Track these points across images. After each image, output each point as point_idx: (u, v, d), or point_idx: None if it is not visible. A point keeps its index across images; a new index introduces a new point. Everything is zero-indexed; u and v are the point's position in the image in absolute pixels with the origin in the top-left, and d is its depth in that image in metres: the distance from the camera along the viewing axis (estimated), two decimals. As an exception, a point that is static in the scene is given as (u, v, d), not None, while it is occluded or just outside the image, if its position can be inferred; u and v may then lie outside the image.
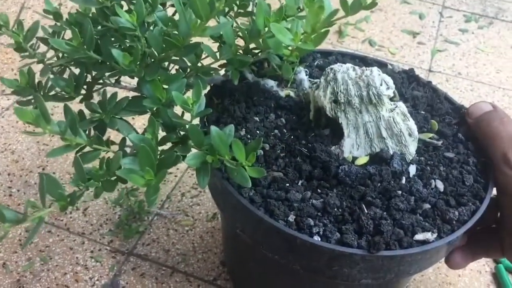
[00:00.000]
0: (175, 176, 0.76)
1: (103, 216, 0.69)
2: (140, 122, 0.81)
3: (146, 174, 0.38)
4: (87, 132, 0.44)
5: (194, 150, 0.44)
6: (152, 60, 0.45)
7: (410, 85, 0.60)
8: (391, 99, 0.51)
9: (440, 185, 0.48)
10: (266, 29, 0.46)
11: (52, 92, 0.48)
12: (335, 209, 0.45)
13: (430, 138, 0.53)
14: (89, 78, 0.49)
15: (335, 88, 0.49)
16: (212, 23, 0.43)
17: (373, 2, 0.47)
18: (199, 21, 0.40)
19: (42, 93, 0.47)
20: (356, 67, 0.49)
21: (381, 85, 0.48)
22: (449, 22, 1.21)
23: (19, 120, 0.81)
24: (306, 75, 0.55)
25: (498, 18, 1.24)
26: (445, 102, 0.58)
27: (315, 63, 0.61)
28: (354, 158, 0.50)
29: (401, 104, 0.50)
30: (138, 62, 0.42)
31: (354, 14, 0.48)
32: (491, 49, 1.14)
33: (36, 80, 0.47)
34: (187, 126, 0.45)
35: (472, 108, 0.54)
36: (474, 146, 0.53)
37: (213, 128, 0.42)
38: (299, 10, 0.49)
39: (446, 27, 1.19)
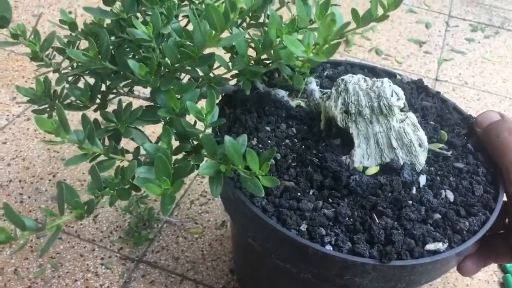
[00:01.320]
0: (184, 183, 0.76)
1: (113, 223, 0.70)
2: (149, 130, 0.81)
3: (163, 183, 0.38)
4: (101, 141, 0.45)
5: (207, 159, 0.45)
6: (167, 70, 0.46)
7: (419, 96, 0.60)
8: (401, 110, 0.52)
9: (450, 195, 0.49)
10: (278, 40, 0.47)
11: (67, 101, 0.49)
12: (347, 218, 0.45)
13: (440, 148, 0.53)
14: (103, 88, 0.50)
15: (346, 99, 0.50)
16: (224, 34, 0.44)
17: (384, 15, 0.48)
18: (213, 32, 0.41)
19: (57, 102, 0.48)
20: (367, 78, 0.50)
21: (391, 96, 0.49)
22: (455, 31, 1.22)
23: (30, 127, 0.82)
24: (317, 85, 0.56)
25: (504, 28, 1.25)
26: (454, 112, 0.59)
27: (325, 74, 0.62)
28: (365, 168, 0.50)
29: (411, 115, 0.51)
30: (154, 73, 0.42)
31: (365, 26, 0.49)
32: (497, 58, 1.14)
33: (52, 89, 0.48)
34: (200, 135, 0.46)
35: (481, 118, 0.55)
36: (484, 156, 0.53)
37: (227, 138, 0.43)
38: (311, 22, 0.50)
39: (452, 37, 1.20)
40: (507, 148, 0.50)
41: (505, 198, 0.51)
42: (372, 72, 0.63)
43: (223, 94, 0.56)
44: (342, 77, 0.51)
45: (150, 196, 0.72)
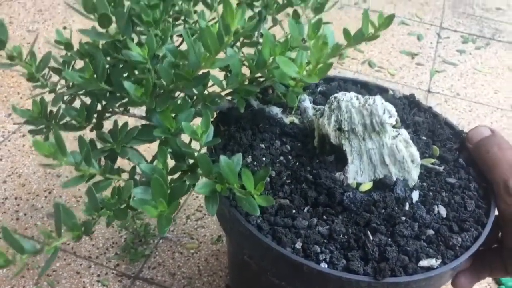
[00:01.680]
0: (180, 198, 0.76)
1: (109, 240, 0.70)
2: (144, 145, 0.81)
3: (159, 205, 0.39)
4: (97, 161, 0.45)
5: (202, 178, 0.45)
6: (162, 91, 0.46)
7: (411, 111, 0.61)
8: (394, 126, 0.53)
9: (443, 211, 0.49)
10: (272, 59, 0.48)
11: (64, 121, 0.49)
12: (341, 235, 0.46)
13: (432, 163, 0.54)
14: (99, 107, 0.50)
15: (339, 116, 0.50)
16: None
17: (375, 35, 0.48)
18: (208, 54, 0.42)
19: (53, 122, 0.48)
20: (360, 96, 0.51)
21: (384, 113, 0.49)
22: (446, 42, 1.24)
23: (25, 144, 0.82)
24: (310, 102, 0.56)
25: (495, 39, 1.26)
26: (446, 127, 0.60)
27: (318, 89, 0.63)
28: (358, 184, 0.51)
29: (403, 131, 0.52)
30: (149, 94, 0.43)
31: (356, 45, 0.50)
32: (488, 69, 1.16)
33: (48, 109, 0.49)
34: (195, 154, 0.46)
35: (471, 133, 0.56)
36: (475, 171, 0.54)
37: (222, 157, 0.43)
38: (303, 41, 0.50)
39: (444, 48, 1.21)
40: (496, 163, 0.51)
41: (496, 213, 0.51)
42: (365, 87, 0.64)
43: (218, 111, 0.57)
44: (335, 94, 0.52)
45: (146, 212, 0.72)
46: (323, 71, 0.42)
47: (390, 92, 0.64)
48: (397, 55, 1.17)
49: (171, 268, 0.67)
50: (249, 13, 0.55)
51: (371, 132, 0.50)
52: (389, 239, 0.46)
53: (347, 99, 0.50)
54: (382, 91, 0.64)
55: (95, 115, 0.50)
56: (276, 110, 0.57)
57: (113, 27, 0.45)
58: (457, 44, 1.24)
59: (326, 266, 0.43)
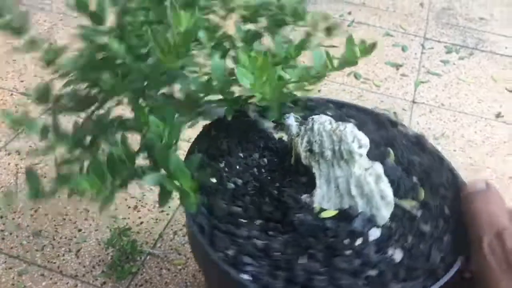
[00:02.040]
0: (167, 214, 0.77)
1: (96, 257, 0.71)
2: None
3: (94, 183, 0.42)
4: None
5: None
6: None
7: (413, 150, 0.58)
8: (382, 161, 0.51)
9: (398, 255, 0.46)
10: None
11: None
12: (276, 253, 0.45)
13: (412, 206, 0.51)
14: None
15: (311, 138, 0.50)
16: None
17: (355, 61, 0.48)
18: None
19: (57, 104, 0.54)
20: (333, 121, 0.50)
21: (353, 142, 0.48)
22: (431, 53, 1.23)
23: (11, 162, 0.85)
24: (296, 121, 0.56)
25: (478, 49, 1.23)
26: (449, 173, 0.56)
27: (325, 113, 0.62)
28: (322, 210, 0.50)
29: (377, 165, 0.50)
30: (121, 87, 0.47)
31: (340, 70, 0.50)
32: (472, 79, 1.15)
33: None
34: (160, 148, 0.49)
35: (468, 185, 0.52)
36: (457, 223, 0.50)
37: (174, 156, 0.46)
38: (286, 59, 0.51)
39: (428, 59, 1.21)
40: (476, 217, 0.47)
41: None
42: (376, 119, 0.62)
43: (216, 117, 0.60)
44: (313, 116, 0.51)
45: (133, 229, 0.74)
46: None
47: (400, 127, 0.61)
48: (382, 67, 1.17)
49: (159, 285, 0.68)
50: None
51: (339, 159, 0.49)
52: (323, 269, 0.44)
53: (321, 121, 0.50)
54: (392, 124, 0.61)
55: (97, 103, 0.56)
56: (268, 124, 0.58)
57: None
58: (441, 54, 1.22)
59: (250, 278, 0.43)
